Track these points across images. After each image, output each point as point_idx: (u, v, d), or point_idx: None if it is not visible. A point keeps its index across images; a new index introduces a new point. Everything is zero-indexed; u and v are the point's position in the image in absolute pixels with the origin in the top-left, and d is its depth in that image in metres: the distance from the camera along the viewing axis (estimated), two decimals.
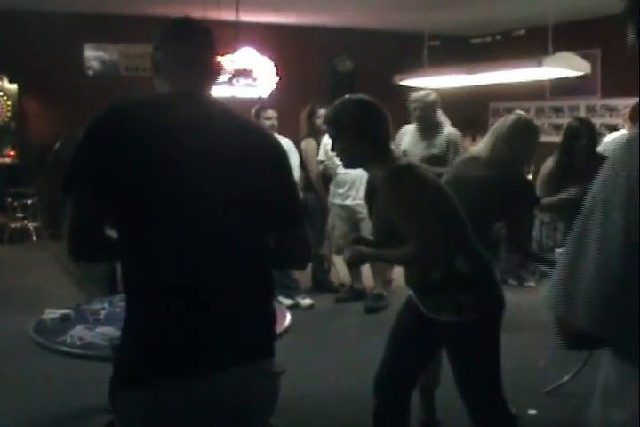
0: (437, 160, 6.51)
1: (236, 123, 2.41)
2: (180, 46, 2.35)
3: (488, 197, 3.96)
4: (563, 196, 5.73)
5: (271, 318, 2.45)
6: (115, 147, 2.13)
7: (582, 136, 5.93)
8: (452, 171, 4.35)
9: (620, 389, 1.57)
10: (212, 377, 2.22)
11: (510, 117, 4.32)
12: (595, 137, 6.12)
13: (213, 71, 2.43)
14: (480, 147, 4.37)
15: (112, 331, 3.53)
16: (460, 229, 3.31)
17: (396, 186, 3.16)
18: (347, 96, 3.41)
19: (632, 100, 8.78)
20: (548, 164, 6.09)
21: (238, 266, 2.28)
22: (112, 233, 2.23)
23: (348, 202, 7.54)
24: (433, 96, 6.92)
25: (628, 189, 1.43)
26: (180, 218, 2.17)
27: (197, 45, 2.37)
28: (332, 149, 3.38)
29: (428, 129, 6.95)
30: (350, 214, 7.57)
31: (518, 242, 4.23)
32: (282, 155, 2.46)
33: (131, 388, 2.21)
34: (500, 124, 4.32)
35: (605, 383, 1.64)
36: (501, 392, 3.47)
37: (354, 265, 3.58)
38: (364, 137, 3.25)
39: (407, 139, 7.05)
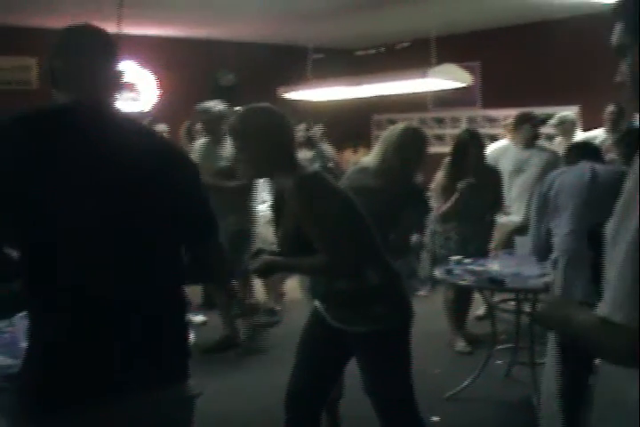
0: (227, 173, 6.33)
1: (143, 135, 2.33)
2: (82, 55, 2.24)
3: (381, 206, 3.95)
4: (450, 204, 5.82)
5: (185, 338, 2.37)
6: (9, 163, 2.01)
7: (471, 148, 6.02)
8: (344, 182, 4.33)
9: None
10: (124, 403, 2.11)
11: (399, 127, 4.34)
12: (483, 148, 6.22)
13: (116, 81, 2.33)
14: (370, 157, 4.38)
15: (1, 359, 3.35)
16: (369, 239, 3.28)
17: (306, 194, 3.09)
18: (251, 105, 3.32)
19: (511, 111, 8.99)
20: (440, 176, 6.15)
21: (149, 283, 2.18)
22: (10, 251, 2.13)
23: None
24: (218, 108, 6.70)
25: None
26: (84, 236, 2.05)
27: (100, 54, 2.27)
28: (237, 160, 3.28)
29: (219, 141, 6.74)
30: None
31: (400, 249, 4.24)
32: (192, 168, 2.40)
33: (34, 417, 2.09)
34: (389, 133, 4.34)
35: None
36: (413, 400, 3.45)
37: (264, 276, 3.49)
38: (267, 147, 3.17)
39: (198, 152, 7.00)
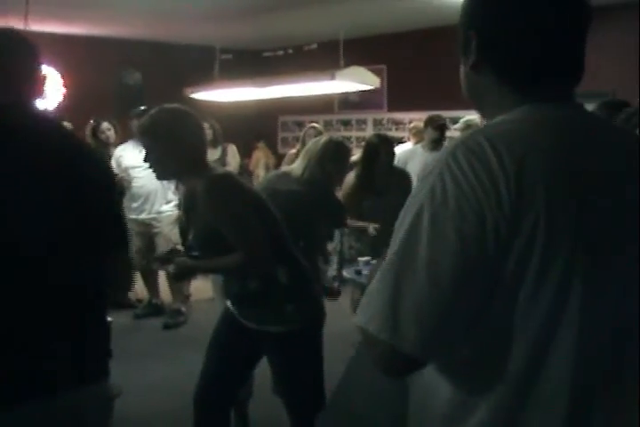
0: None
1: (61, 138, 2.29)
2: (2, 58, 2.23)
3: (298, 211, 3.99)
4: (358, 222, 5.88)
5: (106, 337, 2.37)
6: None
7: (381, 152, 6.09)
8: (263, 183, 4.37)
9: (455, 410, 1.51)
10: (42, 404, 2.09)
11: (322, 139, 4.43)
12: (393, 152, 6.30)
13: (37, 83, 2.31)
14: (293, 166, 4.44)
15: None
16: (280, 238, 3.30)
17: (218, 194, 3.09)
18: (162, 106, 3.31)
19: (416, 115, 9.12)
20: (350, 178, 6.21)
21: (68, 283, 2.16)
22: None
23: (143, 216, 7.40)
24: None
25: (457, 199, 1.35)
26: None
27: (16, 56, 2.25)
28: (146, 160, 3.26)
29: None
30: (145, 229, 7.43)
31: (313, 255, 4.29)
32: (108, 176, 2.40)
33: None
34: (312, 145, 4.42)
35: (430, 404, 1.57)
36: (324, 400, 3.48)
37: (180, 279, 3.48)
38: (179, 147, 3.16)
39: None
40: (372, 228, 5.89)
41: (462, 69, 1.64)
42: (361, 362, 1.74)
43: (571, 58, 1.53)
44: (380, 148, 6.10)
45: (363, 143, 10.94)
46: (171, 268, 3.34)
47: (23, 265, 2.06)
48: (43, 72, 2.35)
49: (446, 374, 1.50)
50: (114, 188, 2.41)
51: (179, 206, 6.65)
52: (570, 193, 1.36)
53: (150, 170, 3.29)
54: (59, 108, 8.01)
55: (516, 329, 1.39)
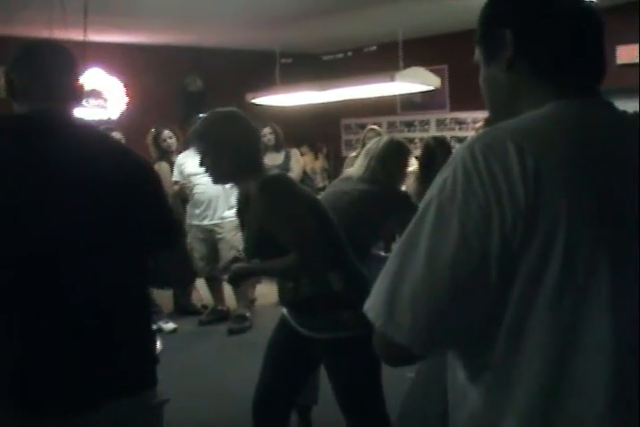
0: None
1: (102, 145, 2.32)
2: (37, 66, 2.27)
3: (366, 210, 3.99)
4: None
5: (152, 346, 2.38)
6: None
7: (438, 155, 6.03)
8: (331, 187, 4.38)
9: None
10: (91, 412, 2.09)
11: (383, 139, 4.41)
12: (450, 155, 6.21)
13: (74, 93, 2.35)
14: (354, 168, 4.43)
15: None
16: (336, 243, 3.26)
17: (271, 193, 3.09)
18: (216, 110, 3.32)
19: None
20: (410, 181, 6.16)
21: (114, 291, 2.17)
22: None
23: (206, 222, 7.44)
24: None
25: (465, 194, 1.35)
26: (45, 246, 2.05)
27: (55, 65, 2.29)
28: (201, 165, 3.27)
29: None
30: (208, 235, 7.47)
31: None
32: (151, 176, 2.40)
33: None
34: (373, 145, 4.41)
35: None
36: (383, 406, 3.44)
37: (234, 283, 3.49)
38: (232, 151, 3.16)
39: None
40: None
41: (485, 71, 1.64)
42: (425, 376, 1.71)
43: (599, 52, 1.55)
44: (437, 150, 6.03)
45: None
46: (227, 275, 3.36)
47: (64, 271, 2.07)
48: (80, 80, 2.39)
49: (472, 380, 1.48)
50: (155, 184, 2.41)
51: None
52: (590, 190, 1.34)
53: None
54: (122, 116, 8.07)
55: (540, 329, 1.36)
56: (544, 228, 1.31)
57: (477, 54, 1.67)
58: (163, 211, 2.40)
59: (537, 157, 1.33)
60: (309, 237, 3.07)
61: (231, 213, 7.33)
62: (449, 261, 1.33)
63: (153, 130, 7.88)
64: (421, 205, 1.43)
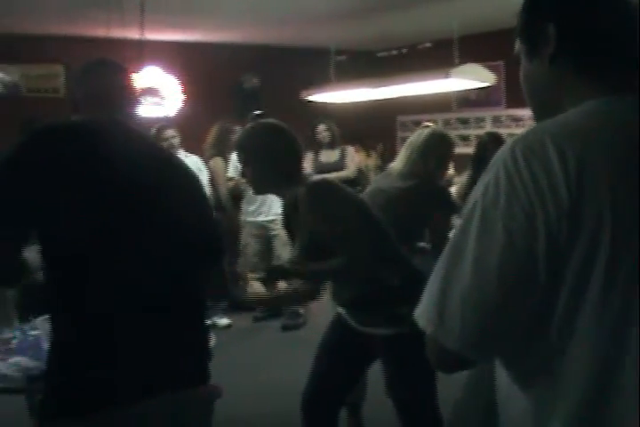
0: None
1: (154, 153, 2.46)
2: (96, 82, 2.49)
3: (408, 206, 3.96)
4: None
5: (205, 341, 2.42)
6: (31, 175, 2.11)
7: (491, 151, 5.98)
8: (371, 185, 4.36)
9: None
10: (145, 405, 2.14)
11: (425, 131, 4.34)
12: None
13: (129, 103, 2.52)
14: (396, 161, 4.38)
15: (26, 361, 3.38)
16: (385, 241, 3.27)
17: (317, 196, 3.11)
18: (258, 121, 3.37)
19: None
20: (463, 179, 6.13)
21: (169, 289, 2.23)
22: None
23: (260, 219, 7.48)
24: None
25: (508, 197, 1.34)
26: (103, 244, 2.12)
27: (112, 81, 2.50)
28: (243, 175, 3.33)
29: None
30: (262, 231, 7.51)
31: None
32: (199, 186, 2.53)
33: (59, 419, 2.13)
34: (414, 137, 4.33)
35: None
36: (436, 404, 3.44)
37: (268, 282, 3.51)
38: (274, 165, 3.20)
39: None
40: None
41: (526, 66, 1.63)
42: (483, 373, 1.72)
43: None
44: (489, 146, 6.00)
45: None
46: (260, 274, 3.38)
47: (120, 269, 2.12)
48: (134, 90, 2.61)
49: (518, 382, 1.47)
50: (203, 198, 2.54)
51: None
52: (633, 188, 1.32)
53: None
54: (178, 114, 8.14)
55: (589, 330, 1.34)
56: (589, 227, 1.30)
57: (517, 49, 1.65)
58: (209, 223, 2.53)
59: (578, 157, 1.31)
60: (357, 239, 3.08)
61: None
62: (496, 265, 1.33)
63: (223, 124, 7.92)
64: (466, 209, 1.43)
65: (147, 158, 2.33)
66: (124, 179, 2.18)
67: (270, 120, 3.37)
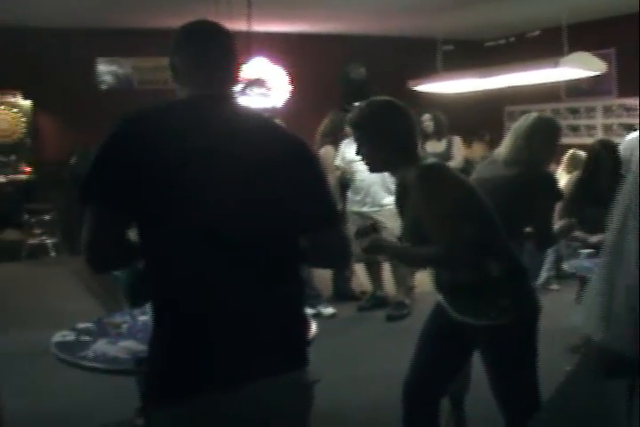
0: None
1: (261, 124, 2.37)
2: (197, 48, 2.32)
3: (510, 195, 3.89)
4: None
5: (304, 326, 2.42)
6: (134, 155, 2.10)
7: (604, 159, 5.88)
8: (475, 174, 4.29)
9: None
10: (245, 388, 2.16)
11: (531, 116, 4.25)
12: (617, 159, 6.02)
13: (233, 72, 2.38)
14: (500, 148, 4.31)
15: (135, 344, 3.48)
16: (493, 230, 3.24)
17: (428, 180, 3.08)
18: (372, 98, 3.34)
19: None
20: (572, 180, 6.03)
21: (269, 274, 2.23)
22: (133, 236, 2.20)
23: (365, 209, 7.47)
24: None
25: None
26: (205, 227, 2.11)
27: (215, 46, 2.33)
28: (358, 153, 3.31)
29: None
30: (367, 222, 7.50)
31: (547, 239, 4.15)
32: (311, 156, 2.42)
33: (163, 402, 2.17)
34: (519, 123, 4.25)
35: None
36: (539, 396, 3.38)
37: (369, 252, 3.46)
38: (388, 139, 3.18)
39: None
40: (595, 239, 5.62)
41: None
42: (587, 365, 1.68)
43: None
44: (602, 154, 5.89)
45: (592, 132, 10.62)
46: (364, 241, 3.33)
47: (226, 249, 2.14)
48: (238, 63, 2.40)
49: None
50: (315, 165, 2.41)
51: None
52: None
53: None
54: (285, 105, 8.21)
55: None
56: None
57: None
58: (324, 192, 2.41)
59: None
60: (459, 231, 3.04)
61: (390, 201, 7.35)
62: None
63: (340, 112, 7.96)
64: (617, 211, 1.40)
65: (255, 133, 2.27)
66: (222, 152, 2.14)
67: (385, 97, 3.34)
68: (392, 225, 7.10)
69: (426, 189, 3.07)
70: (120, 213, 2.13)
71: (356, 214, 7.50)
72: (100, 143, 2.17)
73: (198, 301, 2.13)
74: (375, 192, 7.32)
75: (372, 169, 3.36)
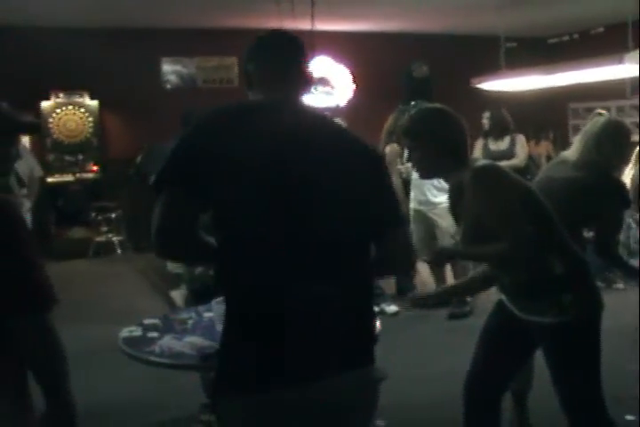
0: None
1: (330, 129, 2.42)
2: (271, 57, 2.43)
3: (576, 197, 3.88)
4: None
5: (372, 324, 2.45)
6: (213, 146, 2.16)
7: None
8: (542, 172, 4.29)
9: None
10: (315, 384, 2.19)
11: (601, 120, 4.22)
12: None
13: (304, 80, 2.47)
14: (570, 150, 4.29)
15: (200, 340, 3.55)
16: (552, 228, 3.24)
17: (483, 181, 3.10)
18: (424, 106, 3.39)
19: None
20: (636, 172, 5.98)
21: (341, 273, 2.26)
22: (210, 239, 2.23)
23: (422, 207, 7.47)
24: None
25: None
26: (277, 223, 2.16)
27: (287, 55, 2.43)
28: (409, 160, 3.36)
29: None
30: (425, 218, 7.50)
31: (605, 245, 4.12)
32: (378, 159, 2.46)
33: (233, 395, 2.21)
34: (590, 126, 4.22)
35: None
36: (601, 396, 3.37)
37: (437, 262, 3.51)
38: (440, 149, 3.21)
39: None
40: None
41: None
42: None
43: None
44: None
45: None
46: (427, 254, 3.38)
47: (294, 248, 2.17)
48: (310, 70, 2.50)
49: None
50: (382, 169, 2.45)
51: None
52: None
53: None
54: (349, 103, 8.25)
55: None
56: None
57: None
58: (389, 193, 2.46)
59: None
60: (520, 225, 3.06)
61: (443, 199, 7.33)
62: None
63: (397, 113, 7.98)
64: None
65: (325, 137, 2.32)
66: (294, 154, 2.19)
67: (435, 104, 3.39)
68: (446, 224, 7.11)
69: (484, 190, 3.09)
70: (193, 199, 2.15)
71: (414, 211, 7.50)
72: (188, 129, 2.25)
73: (272, 299, 2.17)
74: (430, 190, 7.32)
75: (422, 175, 3.42)
